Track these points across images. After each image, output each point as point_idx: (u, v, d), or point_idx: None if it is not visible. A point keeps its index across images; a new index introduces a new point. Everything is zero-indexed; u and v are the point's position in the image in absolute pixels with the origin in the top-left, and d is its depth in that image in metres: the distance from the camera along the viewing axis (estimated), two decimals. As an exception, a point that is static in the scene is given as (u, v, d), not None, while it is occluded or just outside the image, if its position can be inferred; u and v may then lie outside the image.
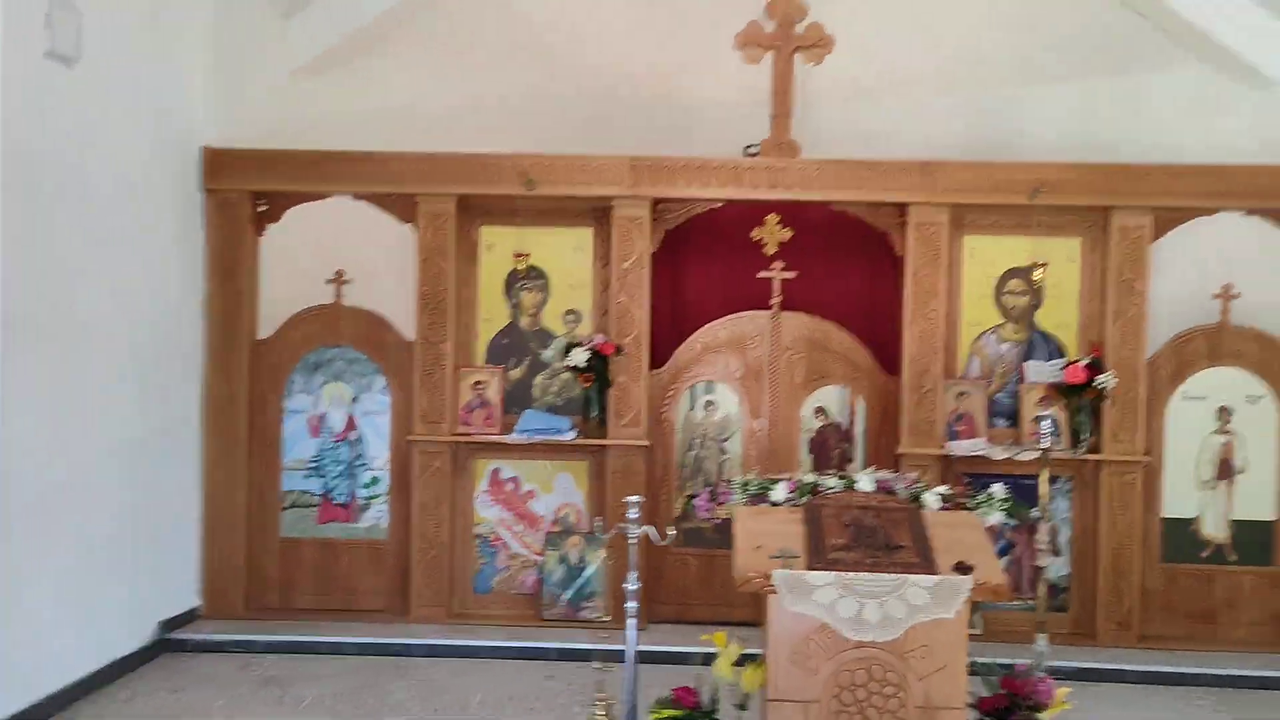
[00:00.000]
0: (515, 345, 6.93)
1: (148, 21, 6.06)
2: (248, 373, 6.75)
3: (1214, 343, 6.60)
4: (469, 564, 6.85)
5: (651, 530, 4.22)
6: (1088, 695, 5.89)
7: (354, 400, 6.86)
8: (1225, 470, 6.61)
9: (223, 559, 6.73)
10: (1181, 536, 6.63)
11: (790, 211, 6.89)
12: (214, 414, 6.71)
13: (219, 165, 6.65)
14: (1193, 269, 6.67)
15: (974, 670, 4.29)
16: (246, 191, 6.69)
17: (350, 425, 6.87)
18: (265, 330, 6.86)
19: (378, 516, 6.86)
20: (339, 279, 6.85)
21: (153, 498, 6.19)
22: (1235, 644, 6.54)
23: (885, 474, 4.23)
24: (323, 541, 6.86)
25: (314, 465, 6.85)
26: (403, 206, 6.74)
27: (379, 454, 6.86)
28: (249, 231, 6.74)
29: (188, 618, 6.59)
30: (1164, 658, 6.33)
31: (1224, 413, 6.61)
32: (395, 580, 6.84)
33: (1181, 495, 6.63)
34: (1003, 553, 6.68)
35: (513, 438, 6.70)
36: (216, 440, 6.72)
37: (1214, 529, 6.63)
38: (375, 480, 6.86)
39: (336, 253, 6.88)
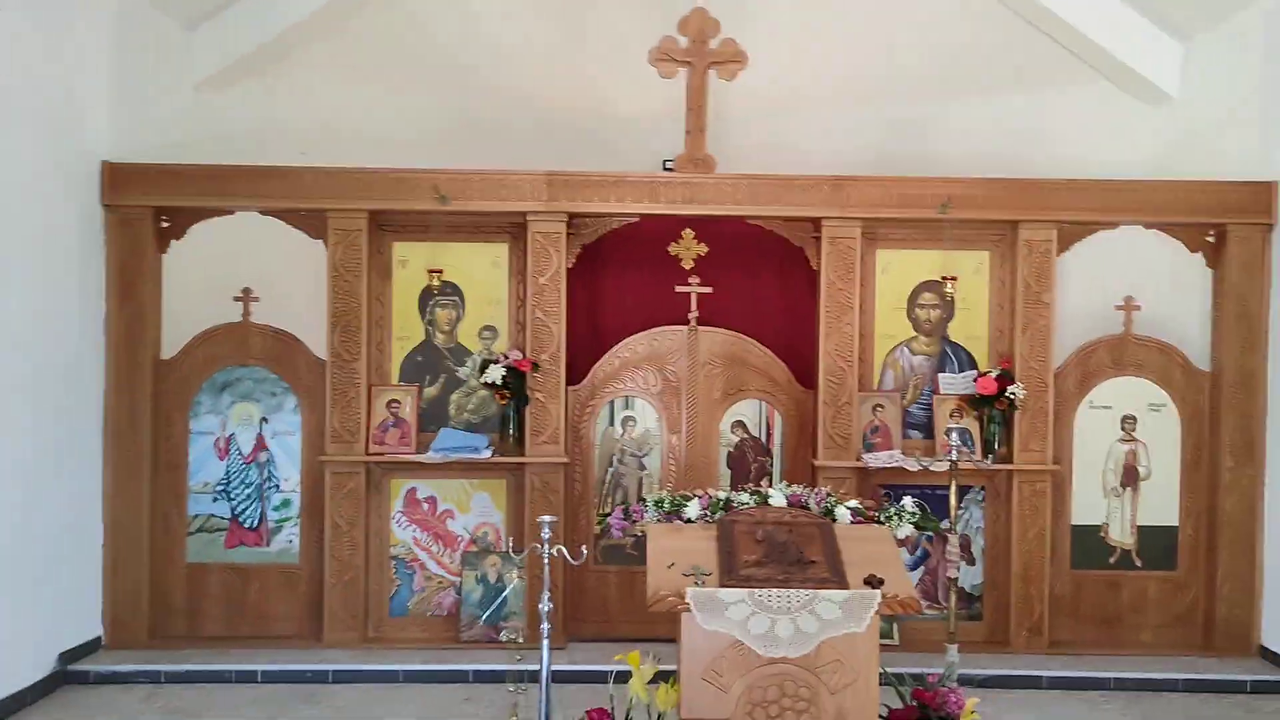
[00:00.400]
0: (430, 362, 6.83)
1: (45, 34, 5.87)
2: (151, 393, 6.55)
3: (1117, 353, 6.77)
4: (384, 586, 6.72)
5: (564, 550, 4.17)
6: (1002, 702, 5.99)
7: (264, 420, 6.70)
8: (1130, 477, 6.77)
9: (126, 586, 6.51)
10: (1090, 543, 6.77)
11: (707, 226, 6.92)
12: (116, 436, 6.50)
13: (120, 180, 6.45)
14: (1097, 281, 6.83)
15: (886, 682, 4.33)
16: (149, 207, 6.50)
17: (260, 446, 6.71)
18: (170, 349, 6.67)
19: (289, 540, 6.71)
20: (247, 296, 6.70)
21: (51, 524, 5.97)
22: (1142, 647, 6.69)
23: (797, 489, 4.24)
24: (231, 566, 6.68)
25: (222, 488, 6.68)
26: (313, 222, 6.62)
27: (290, 475, 6.71)
28: (151, 248, 6.55)
29: (89, 648, 6.36)
30: (1074, 663, 6.45)
31: (1128, 421, 6.77)
32: (308, 605, 6.69)
33: (1089, 503, 6.77)
34: (919, 563, 6.77)
35: (429, 457, 6.60)
36: (119, 463, 6.50)
37: (1120, 535, 6.78)
38: (286, 502, 6.71)
39: (244, 269, 6.73)
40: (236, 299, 6.70)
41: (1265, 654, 6.52)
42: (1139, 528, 6.77)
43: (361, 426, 6.59)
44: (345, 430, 6.57)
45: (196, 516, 6.67)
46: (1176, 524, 6.76)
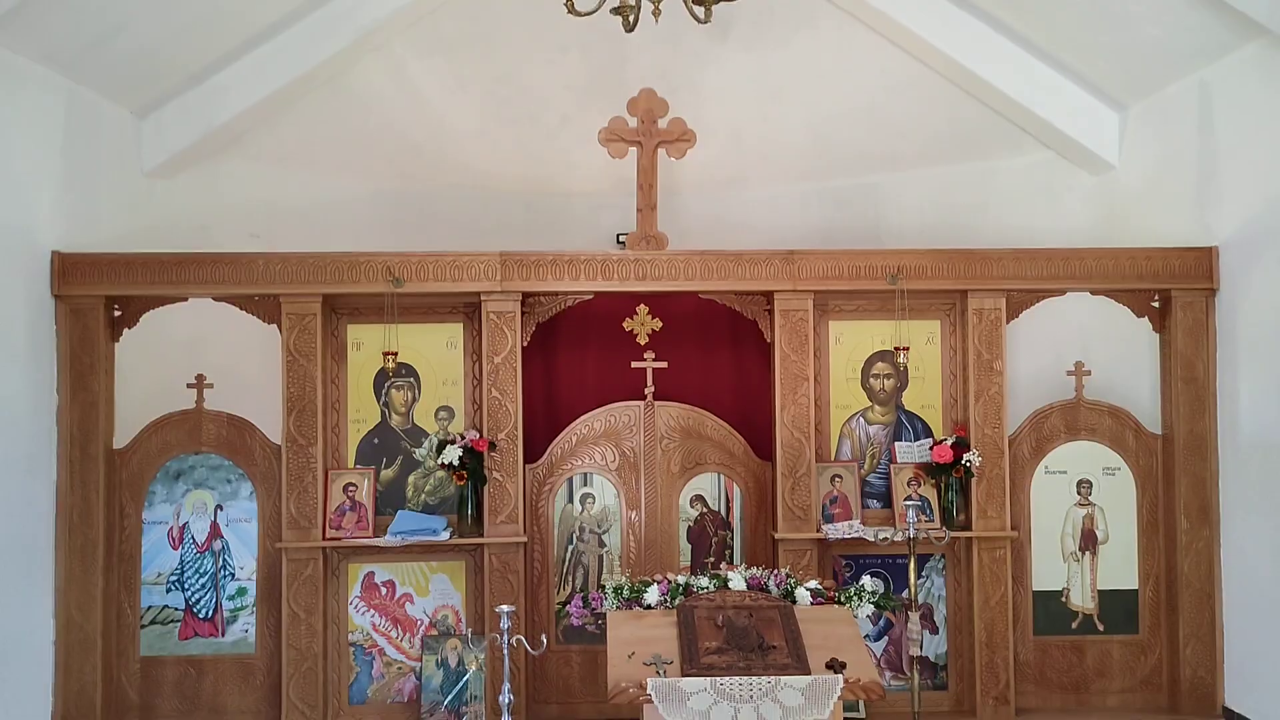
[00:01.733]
0: (387, 444, 6.78)
1: (-9, 124, 5.86)
2: (104, 484, 6.44)
3: (1070, 418, 6.85)
4: (343, 674, 6.61)
5: (524, 640, 4.13)
6: (969, 775, 5.96)
7: (218, 508, 6.62)
8: (1089, 541, 6.82)
9: (78, 683, 6.34)
10: (1052, 608, 6.80)
11: (660, 302, 6.97)
12: (69, 529, 6.37)
13: (70, 270, 6.39)
14: (1047, 347, 6.94)
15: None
16: (100, 297, 6.44)
17: (214, 534, 6.61)
18: (123, 438, 6.58)
19: (245, 629, 6.58)
20: (200, 383, 6.64)
21: (1, 620, 5.81)
22: (1108, 712, 6.70)
23: (757, 571, 4.23)
24: (186, 659, 6.54)
25: (175, 578, 6.56)
26: (266, 307, 6.59)
27: (245, 563, 6.61)
28: (103, 337, 6.48)
29: (39, 749, 6.19)
30: (1041, 730, 6.45)
31: (1084, 485, 6.83)
32: (265, 695, 6.55)
33: (1049, 568, 6.80)
34: (882, 633, 6.75)
35: (386, 540, 6.52)
36: (71, 557, 6.36)
37: (1081, 600, 6.81)
38: (242, 591, 6.60)
39: (197, 356, 6.70)
40: (190, 386, 6.63)
41: (1229, 715, 6.54)
42: (1099, 591, 6.80)
43: (318, 511, 6.52)
44: (301, 516, 6.49)
45: (150, 608, 6.54)
46: (1136, 587, 6.81)
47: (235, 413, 6.66)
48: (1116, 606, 6.79)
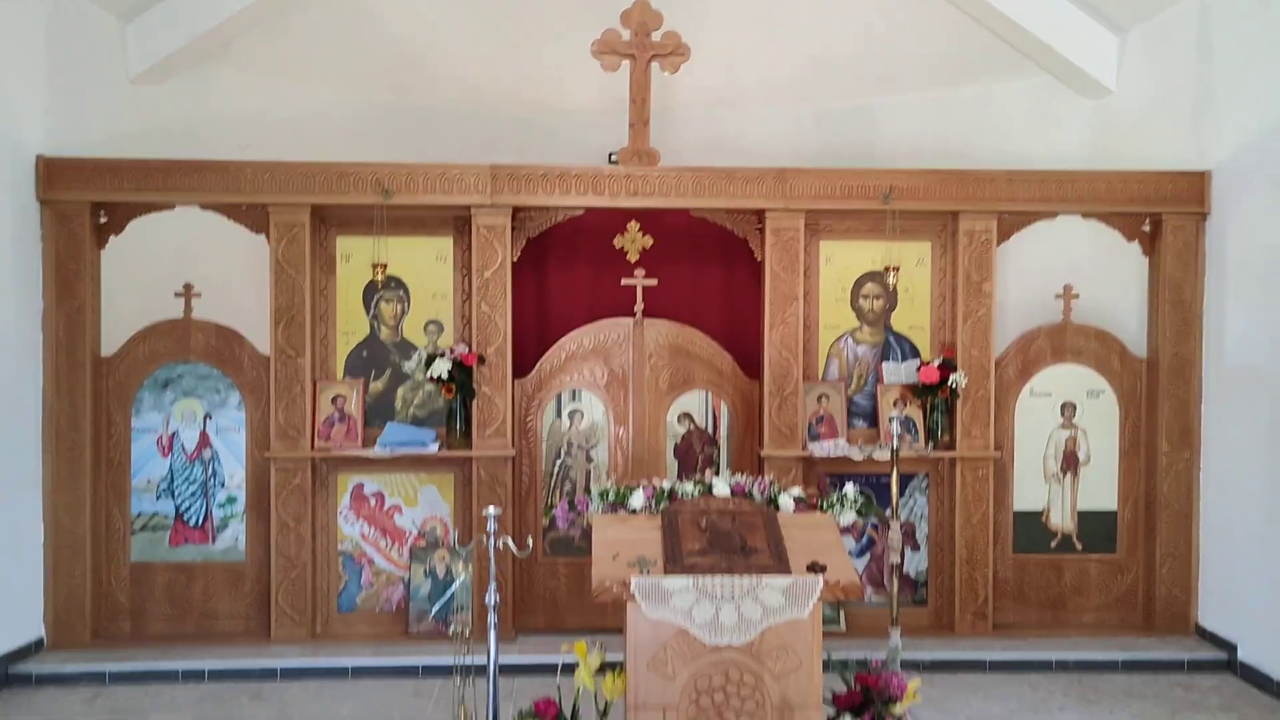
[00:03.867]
0: (376, 357, 6.79)
1: (-27, 25, 5.76)
2: (91, 391, 6.45)
3: (1057, 341, 6.88)
4: (332, 582, 6.68)
5: (510, 541, 4.18)
6: (947, 685, 6.10)
7: (207, 417, 6.63)
8: (1070, 463, 6.90)
9: (68, 587, 6.41)
10: (1031, 528, 6.89)
11: (651, 219, 6.94)
12: (56, 435, 6.39)
13: (56, 175, 6.33)
14: (1036, 270, 6.93)
15: (831, 668, 4.38)
16: (86, 202, 6.39)
17: (204, 443, 6.63)
18: (110, 346, 6.58)
19: (235, 537, 6.64)
20: (188, 292, 6.62)
21: (-12, 526, 5.87)
22: (1084, 629, 6.83)
23: (741, 478, 4.27)
24: (176, 565, 6.61)
25: (165, 486, 6.60)
26: (254, 217, 6.55)
27: (235, 472, 6.65)
28: (89, 244, 6.44)
29: (31, 650, 6.25)
30: (1017, 645, 6.55)
31: (1068, 408, 6.89)
32: (255, 602, 6.64)
33: (1031, 488, 6.89)
34: (865, 550, 6.85)
35: (375, 452, 6.56)
36: (59, 462, 6.40)
37: (1061, 520, 6.90)
38: (231, 499, 6.65)
39: (185, 265, 6.66)
40: (178, 295, 6.61)
41: (1202, 633, 6.68)
42: (1079, 512, 6.90)
43: (307, 422, 6.54)
44: (290, 426, 6.52)
45: (140, 515, 6.59)
46: (1115, 508, 6.90)
47: (223, 323, 6.65)
48: (1095, 527, 6.89)
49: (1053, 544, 6.90)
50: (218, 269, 6.69)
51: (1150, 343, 6.88)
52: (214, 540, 6.64)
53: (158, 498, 6.60)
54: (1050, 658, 6.41)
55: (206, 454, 6.64)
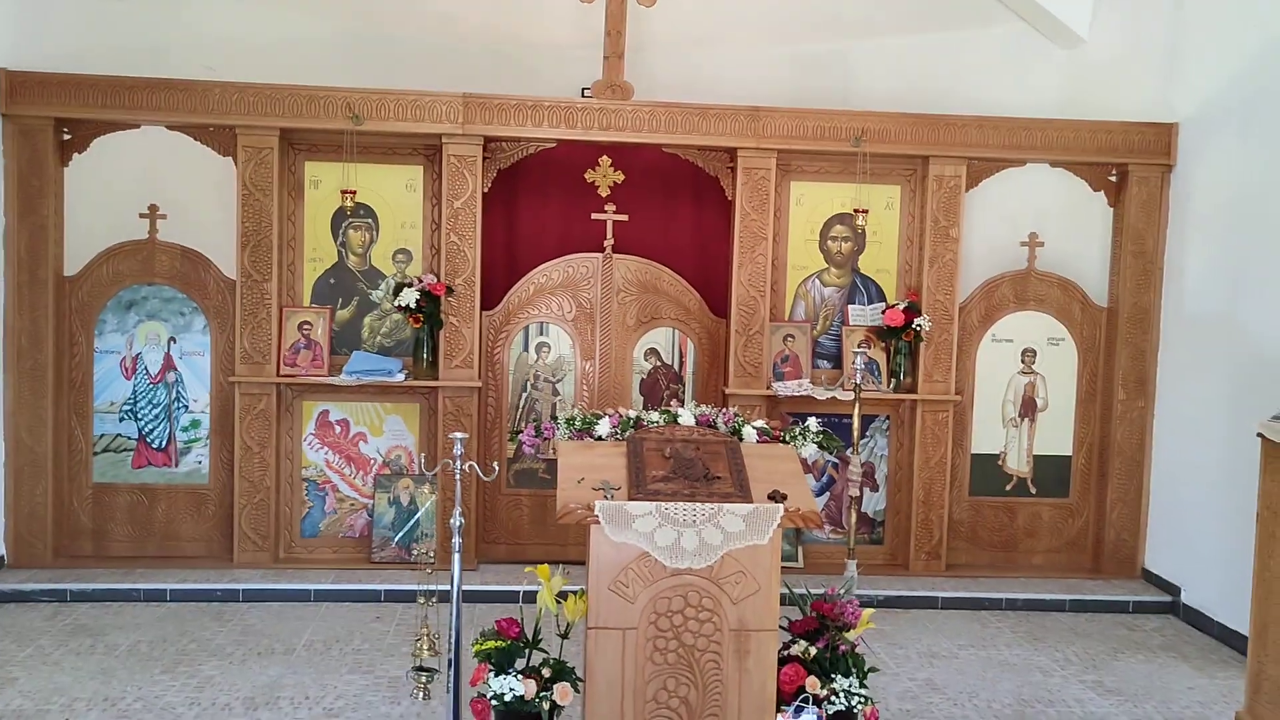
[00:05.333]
0: (343, 285, 6.76)
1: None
2: (53, 310, 6.39)
3: (1020, 288, 6.97)
4: (295, 508, 6.71)
5: (476, 466, 4.22)
6: (899, 621, 6.25)
7: (171, 340, 6.60)
8: (1029, 408, 7.03)
9: (30, 506, 6.40)
10: (988, 471, 7.03)
11: (624, 154, 6.92)
12: (17, 354, 6.34)
13: (19, 89, 6.21)
14: (1003, 218, 7.00)
15: (790, 601, 4.48)
16: (50, 118, 6.28)
17: (168, 366, 6.60)
18: (73, 266, 6.50)
19: (198, 461, 6.64)
20: (153, 213, 6.55)
21: (-52, 442, 5.83)
22: (1034, 570, 7.00)
23: (706, 409, 4.32)
24: (139, 487, 6.60)
25: (128, 408, 6.57)
26: (221, 139, 6.47)
27: (199, 396, 6.63)
28: (53, 160, 6.34)
29: (-9, 568, 6.27)
30: (969, 585, 6.72)
31: (1028, 354, 7.00)
32: (217, 526, 6.66)
33: (988, 432, 7.02)
34: (824, 489, 6.97)
35: (341, 379, 6.56)
36: (20, 382, 6.35)
37: (1017, 464, 7.04)
38: (195, 423, 6.64)
39: (150, 186, 6.57)
40: (142, 216, 6.54)
41: (1148, 576, 6.87)
42: (1035, 456, 7.04)
43: (272, 348, 6.52)
44: (255, 351, 6.50)
45: (103, 436, 6.57)
46: (1070, 453, 7.05)
47: (189, 245, 6.59)
48: (1050, 471, 7.04)
49: (1008, 487, 7.05)
50: (184, 191, 6.60)
51: (1111, 292, 6.99)
52: (177, 463, 6.63)
53: (120, 420, 6.58)
54: (1000, 597, 6.57)
55: (170, 377, 6.61)
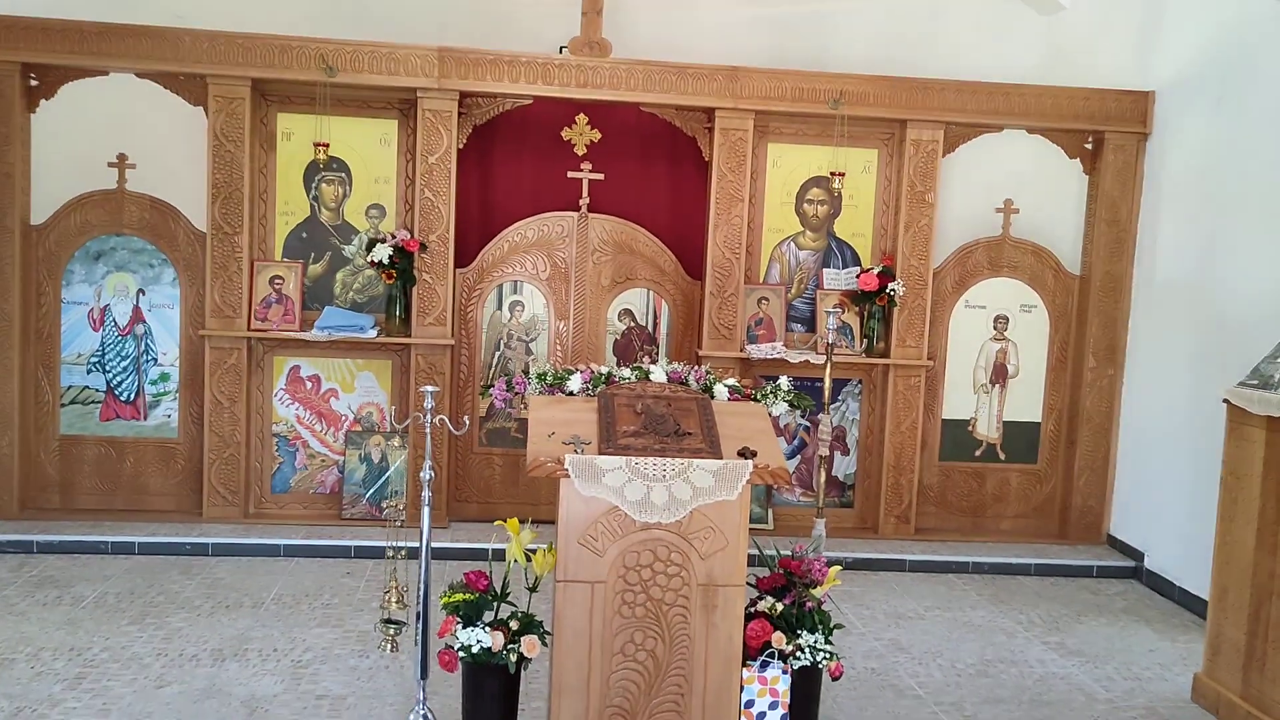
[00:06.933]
0: (316, 239, 6.70)
1: None
2: (20, 259, 6.30)
3: (994, 254, 6.99)
4: (266, 463, 6.68)
5: (446, 420, 4.20)
6: (867, 583, 6.30)
7: (140, 292, 6.52)
8: (1000, 375, 7.07)
9: (-5, 457, 6.35)
10: (958, 436, 7.08)
11: (600, 112, 6.87)
12: (-18, 304, 6.26)
13: (-17, 33, 6.11)
14: (979, 184, 7.00)
15: (759, 561, 4.50)
16: (15, 63, 6.17)
17: (137, 318, 6.53)
18: (40, 215, 6.41)
19: (167, 414, 6.59)
20: (122, 163, 6.45)
21: (-89, 391, 5.75)
22: (1002, 535, 7.07)
23: (678, 366, 4.31)
24: (107, 440, 6.55)
25: (97, 360, 6.50)
26: (192, 88, 6.38)
27: (168, 349, 6.57)
28: (19, 107, 6.23)
29: (-45, 519, 6.21)
30: (937, 548, 6.78)
31: (1001, 321, 7.03)
32: (187, 480, 6.62)
33: (960, 398, 7.06)
34: (796, 452, 6.99)
35: (312, 335, 6.51)
36: (-14, 332, 6.28)
37: (987, 429, 7.09)
38: (164, 376, 6.58)
39: (119, 134, 6.48)
40: (111, 165, 6.45)
41: (1113, 542, 6.96)
42: (1005, 423, 7.09)
43: (243, 302, 6.46)
44: (226, 305, 6.44)
45: (70, 388, 6.50)
46: (1040, 420, 7.10)
47: (159, 196, 6.50)
48: (1019, 437, 7.09)
49: (977, 453, 7.10)
50: (153, 140, 6.51)
51: (1084, 260, 7.02)
52: (145, 417, 6.58)
53: (88, 372, 6.51)
54: (967, 560, 6.64)
55: (139, 329, 6.54)
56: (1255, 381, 4.62)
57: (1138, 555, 6.67)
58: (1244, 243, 5.78)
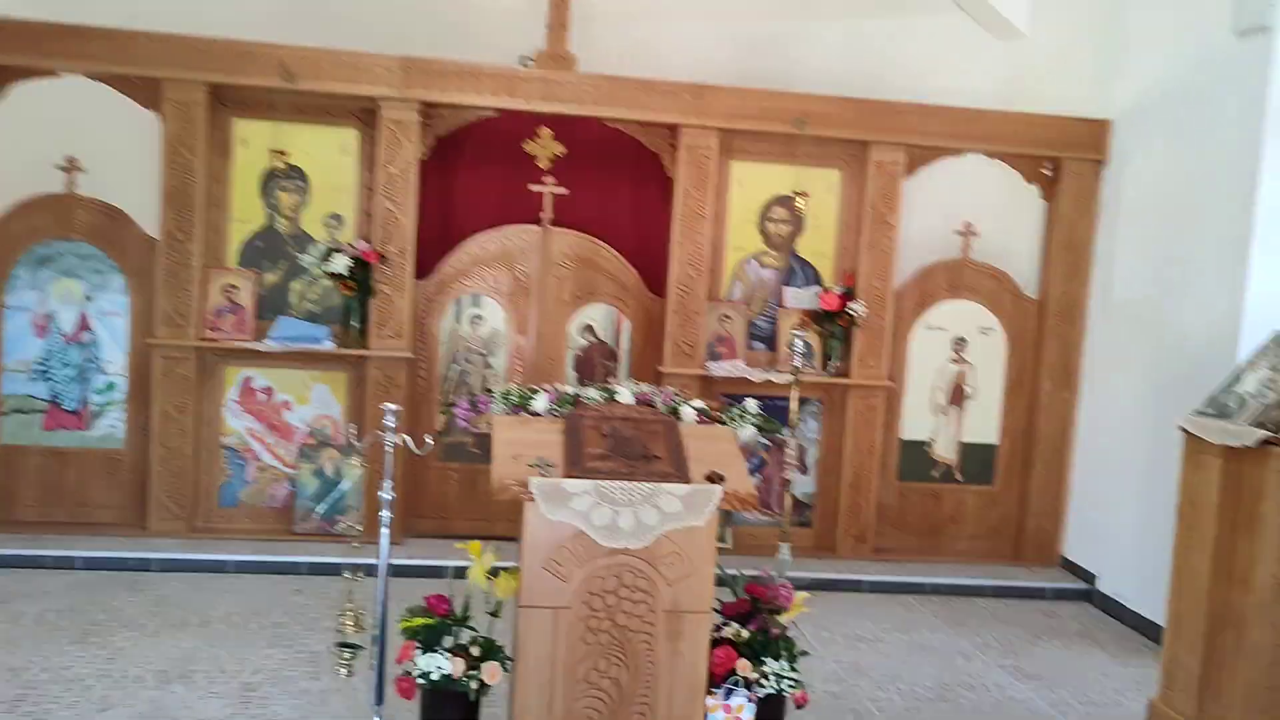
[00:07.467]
0: (271, 248, 6.57)
1: None
2: (-38, 264, 6.12)
3: (954, 277, 7.03)
4: (215, 476, 6.52)
5: (408, 438, 4.11)
6: (825, 603, 6.26)
7: (88, 299, 6.34)
8: (958, 396, 7.10)
9: (-69, 468, 6.13)
10: (916, 457, 7.10)
11: (564, 126, 6.81)
12: (-79, 309, 6.06)
13: (-71, 29, 5.92)
14: (939, 206, 7.03)
15: (722, 581, 4.45)
16: (-39, 62, 6.00)
17: (83, 325, 6.35)
18: (-16, 218, 6.22)
19: (113, 425, 6.41)
20: (71, 166, 6.28)
21: None
22: (958, 555, 7.10)
23: (645, 387, 4.26)
24: (50, 450, 6.36)
25: (41, 368, 6.31)
26: (146, 91, 6.23)
27: (116, 358, 6.39)
28: (-36, 107, 6.06)
29: (-112, 531, 5.98)
30: (894, 569, 6.79)
31: (959, 343, 7.07)
32: (132, 492, 6.44)
33: (918, 419, 7.08)
34: (754, 471, 6.96)
35: (266, 345, 6.38)
36: (-76, 338, 6.07)
37: (945, 451, 7.12)
38: (111, 386, 6.40)
39: (69, 137, 6.30)
40: (60, 168, 6.27)
41: (1066, 564, 7.02)
42: (962, 444, 7.12)
43: (195, 310, 6.31)
44: (177, 313, 6.29)
45: (11, 396, 6.30)
46: (996, 442, 7.15)
47: (109, 201, 6.33)
48: (976, 459, 7.14)
49: (935, 473, 7.13)
50: (105, 144, 6.34)
51: (1042, 284, 7.09)
52: (90, 427, 6.39)
53: (31, 379, 6.32)
54: (924, 581, 6.65)
55: (86, 338, 6.36)
56: (1212, 411, 4.66)
57: (1090, 578, 6.73)
58: (1198, 271, 5.86)
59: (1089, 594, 6.69)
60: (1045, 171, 6.99)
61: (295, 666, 4.92)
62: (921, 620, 6.17)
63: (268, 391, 6.54)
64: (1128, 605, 6.31)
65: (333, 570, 5.96)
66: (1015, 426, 7.13)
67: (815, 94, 6.71)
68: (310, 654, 5.07)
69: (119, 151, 6.35)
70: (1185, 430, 4.76)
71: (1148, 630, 5.98)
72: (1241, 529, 4.41)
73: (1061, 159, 6.88)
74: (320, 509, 6.49)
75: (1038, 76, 7.08)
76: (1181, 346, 5.94)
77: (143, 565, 6.02)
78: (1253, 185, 5.45)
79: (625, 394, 4.24)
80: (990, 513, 7.17)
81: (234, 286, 6.42)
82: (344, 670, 3.98)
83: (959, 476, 7.13)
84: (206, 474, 6.48)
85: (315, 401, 6.58)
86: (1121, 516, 6.42)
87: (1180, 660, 4.74)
